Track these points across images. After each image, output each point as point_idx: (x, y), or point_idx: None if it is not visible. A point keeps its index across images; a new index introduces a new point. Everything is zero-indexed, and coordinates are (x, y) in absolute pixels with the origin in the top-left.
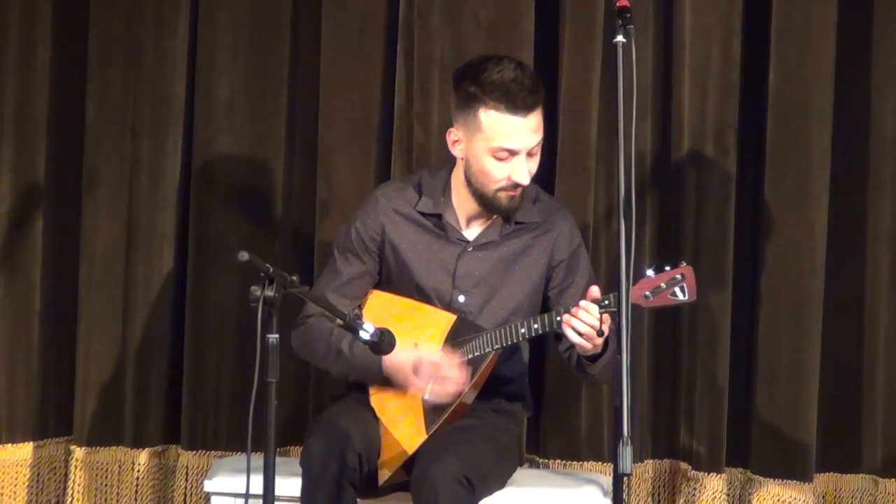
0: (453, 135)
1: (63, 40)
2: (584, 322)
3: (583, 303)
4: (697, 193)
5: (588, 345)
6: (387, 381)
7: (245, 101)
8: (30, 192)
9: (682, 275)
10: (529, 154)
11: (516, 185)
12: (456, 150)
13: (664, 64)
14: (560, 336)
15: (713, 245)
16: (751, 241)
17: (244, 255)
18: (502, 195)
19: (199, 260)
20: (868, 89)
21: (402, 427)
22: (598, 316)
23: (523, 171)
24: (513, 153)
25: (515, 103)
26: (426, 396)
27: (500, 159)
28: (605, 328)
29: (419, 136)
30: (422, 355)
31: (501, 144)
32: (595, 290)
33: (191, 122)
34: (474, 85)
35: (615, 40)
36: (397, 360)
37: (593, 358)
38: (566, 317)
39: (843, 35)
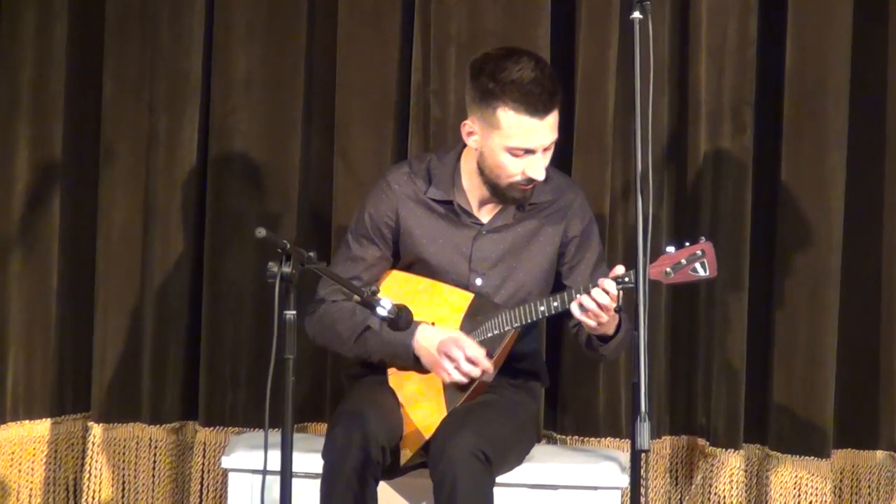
0: (468, 127)
1: (80, 16)
2: (592, 298)
3: (600, 280)
4: (714, 170)
5: (592, 322)
6: (417, 361)
7: (262, 77)
8: (47, 169)
9: (703, 251)
10: (544, 150)
11: (530, 181)
12: (470, 142)
13: (681, 41)
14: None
15: (730, 222)
16: (768, 218)
17: (261, 232)
18: (515, 188)
19: (215, 236)
20: (885, 66)
21: (422, 407)
22: (612, 293)
23: (539, 167)
24: (529, 152)
25: (535, 106)
26: (452, 378)
27: (515, 156)
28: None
29: (436, 112)
30: (449, 338)
31: (519, 144)
32: (619, 268)
33: (208, 98)
34: (493, 82)
35: (632, 17)
36: (426, 340)
37: (605, 338)
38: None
39: (859, 12)
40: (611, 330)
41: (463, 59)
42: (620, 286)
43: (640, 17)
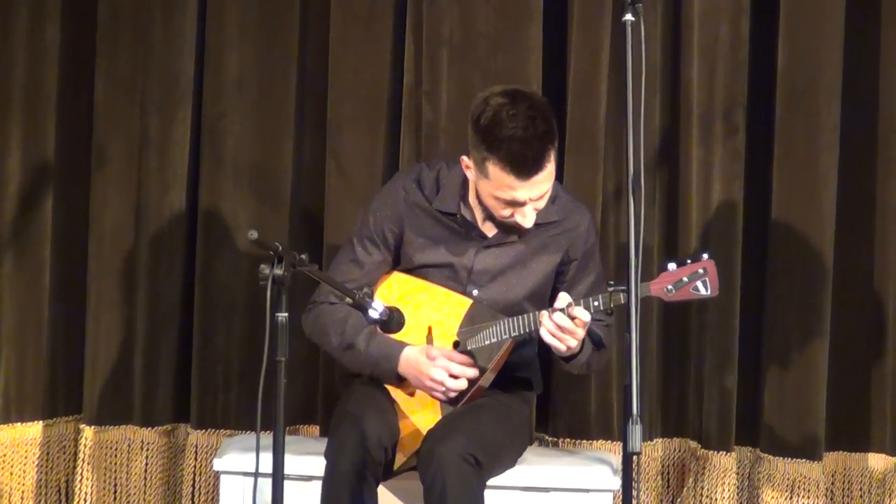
0: (465, 161)
1: (72, 16)
2: (557, 326)
3: (577, 310)
4: (706, 172)
5: (562, 347)
6: (401, 380)
7: (254, 78)
8: (39, 170)
9: (705, 269)
10: (533, 200)
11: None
12: (468, 174)
13: (673, 42)
14: None
15: (722, 223)
16: (760, 219)
17: (253, 234)
18: (507, 225)
19: (208, 238)
20: (877, 67)
21: (419, 412)
22: (578, 322)
23: (528, 216)
24: (517, 203)
25: (521, 168)
26: (439, 396)
27: (504, 205)
28: (581, 332)
29: (428, 114)
30: (426, 361)
31: (505, 197)
32: (564, 298)
33: (200, 99)
34: (486, 133)
35: (624, 19)
36: (410, 365)
37: (568, 358)
38: (544, 318)
39: (851, 13)
40: (573, 351)
41: (455, 61)
42: (612, 289)
43: (632, 18)
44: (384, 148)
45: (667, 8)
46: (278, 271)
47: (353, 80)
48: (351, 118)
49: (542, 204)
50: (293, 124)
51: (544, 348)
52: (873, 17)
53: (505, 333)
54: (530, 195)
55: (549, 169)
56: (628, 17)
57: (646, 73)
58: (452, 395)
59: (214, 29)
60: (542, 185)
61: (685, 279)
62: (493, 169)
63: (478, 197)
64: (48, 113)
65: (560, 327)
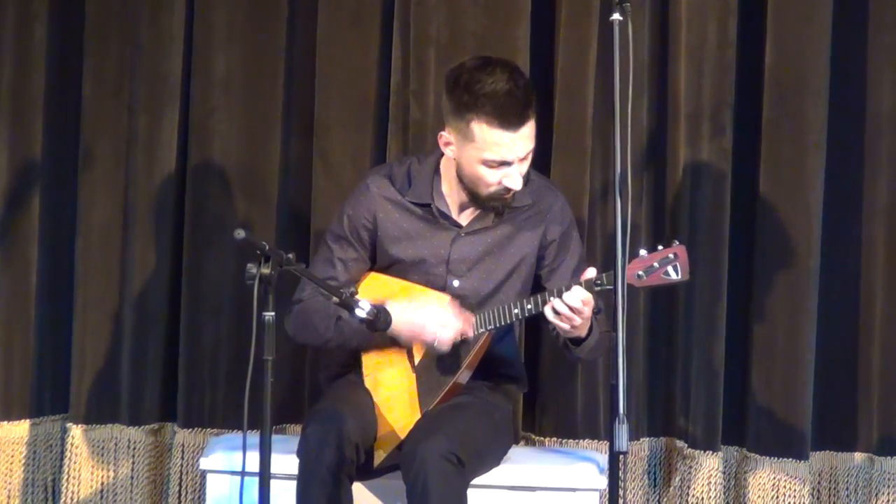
0: (444, 137)
1: (60, 16)
2: (564, 302)
3: (573, 286)
4: (693, 171)
5: (565, 325)
6: (392, 341)
7: (241, 78)
8: (26, 170)
9: (675, 254)
10: (520, 160)
11: (508, 189)
12: (447, 151)
13: (660, 42)
14: None
15: (709, 223)
16: (747, 219)
17: (240, 233)
18: (494, 197)
19: (195, 237)
20: (864, 67)
21: (397, 408)
22: (584, 297)
23: (516, 177)
24: (505, 163)
25: (509, 119)
26: (436, 344)
27: (491, 167)
28: (588, 311)
29: (415, 113)
30: (426, 306)
31: (493, 157)
32: (590, 272)
33: (187, 99)
34: (467, 95)
35: (611, 18)
36: (400, 318)
37: (577, 341)
38: (554, 299)
39: (839, 13)
40: (584, 333)
41: (443, 60)
42: (598, 288)
43: (620, 18)
44: (371, 147)
45: (654, 8)
46: (265, 270)
47: (340, 79)
48: (338, 117)
49: (526, 166)
50: (280, 124)
51: (530, 343)
52: (860, 17)
53: (481, 327)
54: (518, 153)
55: (533, 124)
56: (616, 16)
57: (633, 73)
58: (448, 340)
59: (202, 29)
60: (527, 140)
61: (656, 264)
62: (479, 127)
63: (459, 176)
64: (35, 113)
65: (571, 308)
